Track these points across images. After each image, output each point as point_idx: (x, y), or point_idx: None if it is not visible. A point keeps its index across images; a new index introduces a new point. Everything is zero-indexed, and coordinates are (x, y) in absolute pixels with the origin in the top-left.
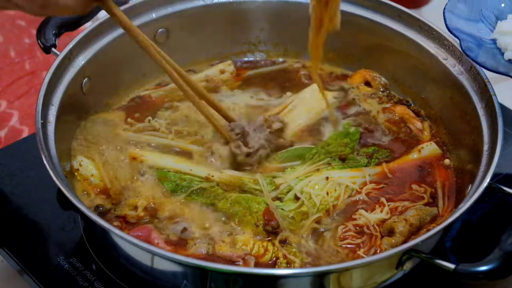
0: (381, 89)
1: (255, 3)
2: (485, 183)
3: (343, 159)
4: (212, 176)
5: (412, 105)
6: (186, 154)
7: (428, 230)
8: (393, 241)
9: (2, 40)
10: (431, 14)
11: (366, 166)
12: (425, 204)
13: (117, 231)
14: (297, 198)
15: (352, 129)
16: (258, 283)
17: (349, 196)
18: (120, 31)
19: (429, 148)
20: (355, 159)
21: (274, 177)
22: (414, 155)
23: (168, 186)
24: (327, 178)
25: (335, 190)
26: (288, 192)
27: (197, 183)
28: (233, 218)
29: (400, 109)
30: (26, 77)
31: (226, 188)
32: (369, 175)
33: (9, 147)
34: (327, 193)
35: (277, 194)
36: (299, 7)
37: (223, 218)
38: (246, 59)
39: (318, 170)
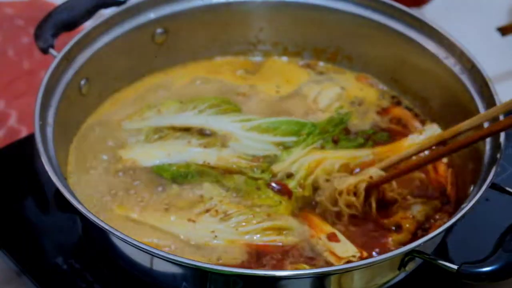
0: (380, 96)
1: (254, 3)
2: (487, 183)
3: (335, 141)
4: (209, 163)
5: (409, 107)
6: (185, 135)
7: (433, 226)
8: (401, 237)
9: (1, 40)
10: (432, 13)
11: (361, 147)
12: (428, 198)
13: (116, 232)
14: (289, 176)
15: (343, 111)
16: (258, 284)
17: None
18: (118, 31)
19: (431, 130)
20: (349, 139)
21: (271, 164)
22: (413, 136)
23: (167, 174)
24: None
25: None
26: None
27: (195, 167)
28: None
29: (398, 111)
30: (24, 76)
31: (224, 172)
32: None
33: (8, 147)
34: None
35: (274, 181)
36: (298, 6)
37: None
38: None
39: (314, 152)
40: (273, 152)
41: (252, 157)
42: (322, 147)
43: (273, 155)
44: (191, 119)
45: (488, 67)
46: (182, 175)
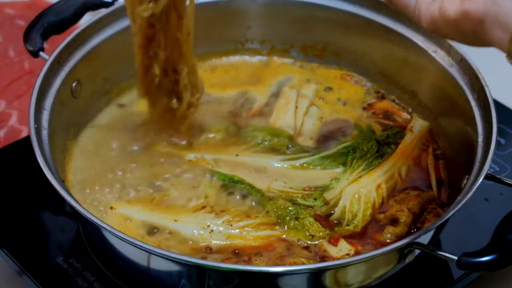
0: (366, 94)
1: (242, 1)
2: (483, 174)
3: (377, 157)
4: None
5: (397, 101)
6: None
7: (426, 218)
8: (398, 231)
9: (2, 40)
10: None
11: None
12: (421, 190)
13: (112, 229)
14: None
15: (373, 126)
16: (254, 280)
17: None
18: (107, 33)
19: (419, 124)
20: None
21: (323, 192)
22: (408, 136)
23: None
24: (378, 185)
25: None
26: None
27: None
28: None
29: (384, 104)
30: (25, 76)
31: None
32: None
33: (9, 146)
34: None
35: (326, 209)
36: (285, 3)
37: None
38: (232, 57)
39: (360, 177)
40: (322, 182)
41: (303, 188)
42: (367, 168)
43: (322, 184)
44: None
45: (487, 67)
46: (235, 181)
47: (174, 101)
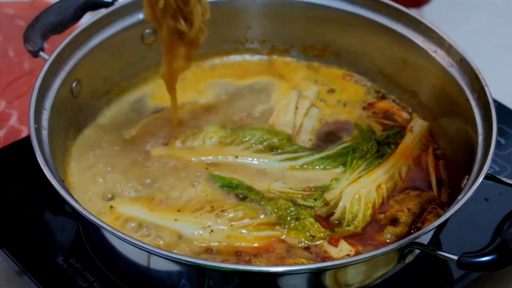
0: (366, 94)
1: (242, 2)
2: (483, 174)
3: (377, 157)
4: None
5: (397, 101)
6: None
7: (426, 218)
8: (398, 231)
9: (1, 40)
10: (432, 14)
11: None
12: (421, 190)
13: (111, 229)
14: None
15: (373, 126)
16: (255, 280)
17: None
18: (107, 33)
19: (419, 124)
20: (382, 151)
21: (323, 192)
22: (408, 136)
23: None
24: (378, 186)
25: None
26: (336, 207)
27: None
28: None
29: (384, 104)
30: (25, 76)
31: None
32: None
33: (9, 146)
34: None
35: (326, 209)
36: (285, 4)
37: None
38: (232, 57)
39: (360, 177)
40: (322, 182)
41: (303, 188)
42: (367, 168)
43: (323, 185)
44: (237, 159)
45: (488, 68)
46: (233, 186)
47: (182, 22)
